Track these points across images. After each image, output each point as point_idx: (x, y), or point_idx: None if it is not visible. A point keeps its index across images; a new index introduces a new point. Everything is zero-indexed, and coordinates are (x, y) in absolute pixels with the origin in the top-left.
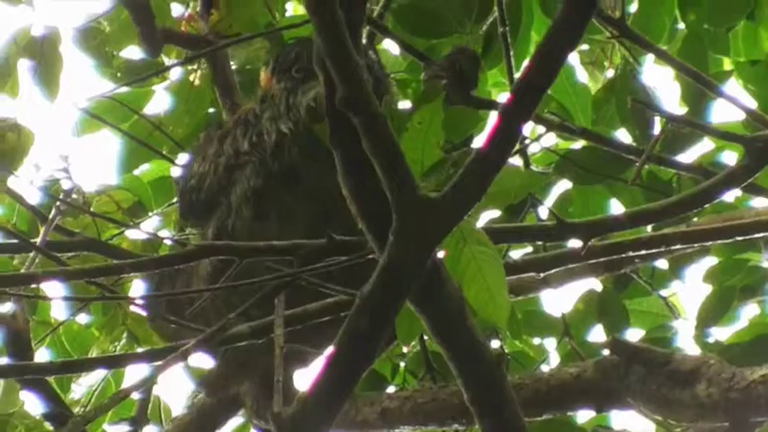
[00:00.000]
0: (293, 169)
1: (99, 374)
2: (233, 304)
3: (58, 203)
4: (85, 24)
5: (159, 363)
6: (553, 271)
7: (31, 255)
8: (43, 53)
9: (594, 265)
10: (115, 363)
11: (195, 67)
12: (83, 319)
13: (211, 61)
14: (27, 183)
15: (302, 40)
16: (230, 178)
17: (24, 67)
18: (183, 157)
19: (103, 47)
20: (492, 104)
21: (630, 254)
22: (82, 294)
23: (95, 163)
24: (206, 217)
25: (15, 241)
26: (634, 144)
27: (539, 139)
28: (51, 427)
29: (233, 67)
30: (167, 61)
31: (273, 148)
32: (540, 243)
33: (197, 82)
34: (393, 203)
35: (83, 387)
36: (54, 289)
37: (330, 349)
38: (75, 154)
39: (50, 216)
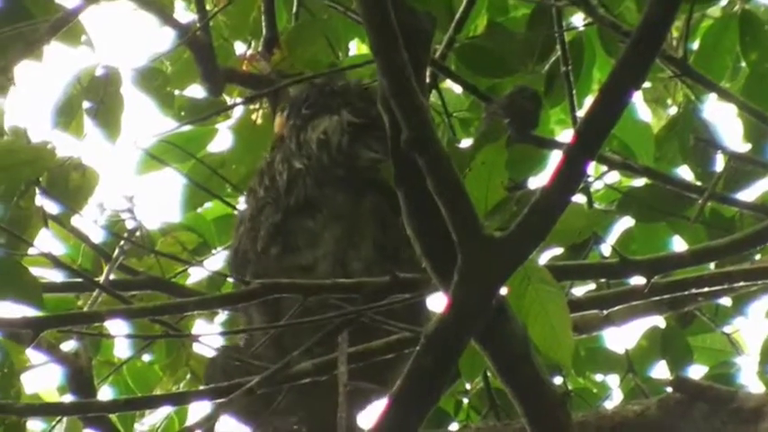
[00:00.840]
0: (309, 200)
1: (162, 414)
2: (292, 345)
3: (122, 243)
4: (146, 65)
5: (222, 400)
6: (616, 308)
7: (95, 293)
8: (104, 94)
9: (658, 303)
10: (179, 400)
11: (257, 106)
12: (146, 358)
13: (273, 100)
14: (91, 222)
15: (314, 83)
16: (255, 228)
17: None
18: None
19: (164, 87)
20: (553, 143)
21: (693, 291)
22: (145, 333)
23: (158, 201)
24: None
25: (80, 280)
26: (696, 182)
27: (602, 177)
28: None
29: None
30: (229, 100)
31: (286, 186)
32: (602, 280)
33: (259, 121)
34: (458, 243)
35: (145, 426)
36: (117, 328)
37: (394, 388)
38: (138, 193)
39: (114, 255)
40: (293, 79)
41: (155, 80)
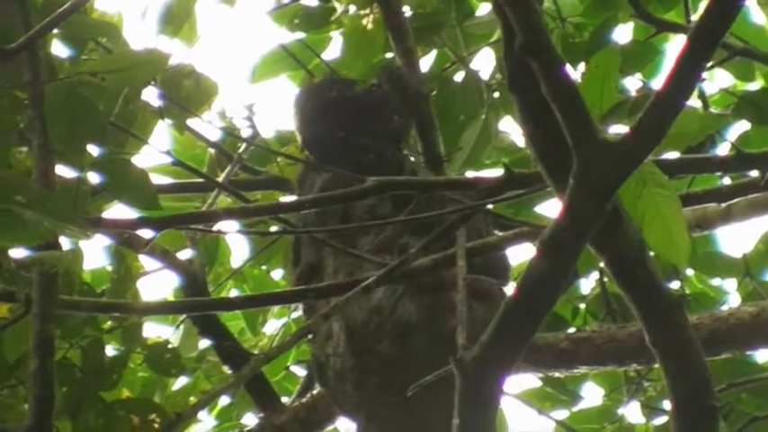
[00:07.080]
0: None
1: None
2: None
3: (241, 148)
4: None
5: (340, 298)
6: (734, 201)
7: (213, 195)
8: None
9: None
10: (296, 297)
11: (368, 11)
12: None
13: (383, 5)
14: (205, 127)
15: None
16: None
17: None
18: None
19: None
20: (676, 27)
21: None
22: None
23: (270, 110)
24: None
25: (199, 180)
26: None
27: (723, 63)
28: (230, 371)
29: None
30: (339, 7)
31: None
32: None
33: (369, 26)
34: (573, 147)
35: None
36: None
37: (509, 296)
38: (254, 102)
39: (235, 156)
40: None
41: None
